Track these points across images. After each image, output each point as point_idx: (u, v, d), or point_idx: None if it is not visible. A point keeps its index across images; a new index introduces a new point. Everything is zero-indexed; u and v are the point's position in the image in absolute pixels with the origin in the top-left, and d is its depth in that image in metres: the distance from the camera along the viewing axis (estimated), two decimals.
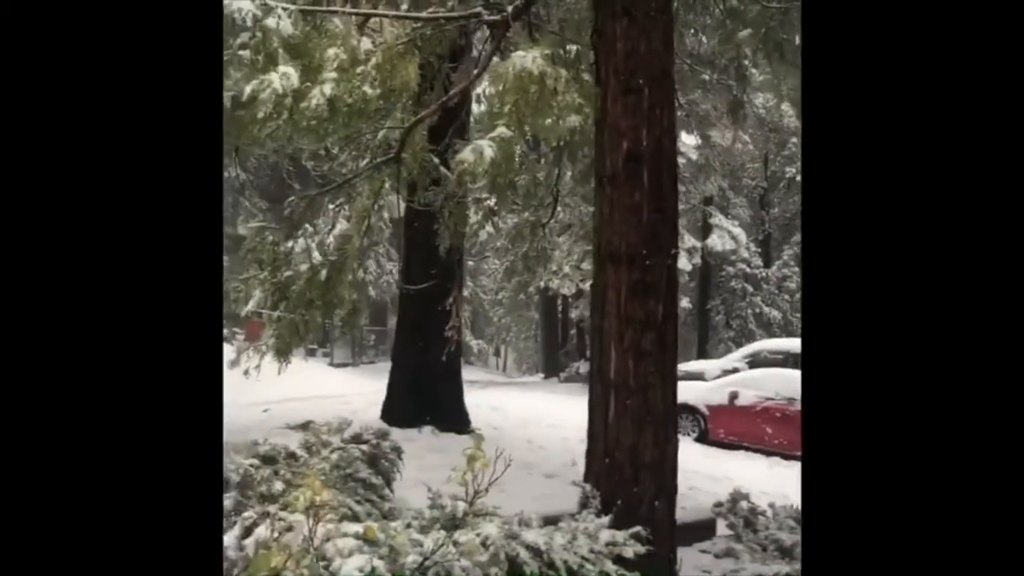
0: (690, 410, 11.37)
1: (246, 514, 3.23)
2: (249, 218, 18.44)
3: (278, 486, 3.53)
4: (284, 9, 3.97)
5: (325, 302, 5.19)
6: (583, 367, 20.94)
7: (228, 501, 3.44)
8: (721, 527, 5.51)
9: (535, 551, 3.22)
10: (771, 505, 5.54)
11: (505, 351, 41.63)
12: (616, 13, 4.45)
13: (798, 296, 21.97)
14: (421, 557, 2.88)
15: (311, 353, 18.51)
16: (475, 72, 5.38)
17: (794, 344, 12.90)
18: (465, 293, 10.25)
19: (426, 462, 5.74)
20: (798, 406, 9.97)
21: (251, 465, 3.63)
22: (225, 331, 14.82)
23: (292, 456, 3.82)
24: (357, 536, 2.91)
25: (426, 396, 9.13)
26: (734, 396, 11.38)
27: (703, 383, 12.33)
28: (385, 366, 11.22)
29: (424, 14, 5.14)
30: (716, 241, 21.55)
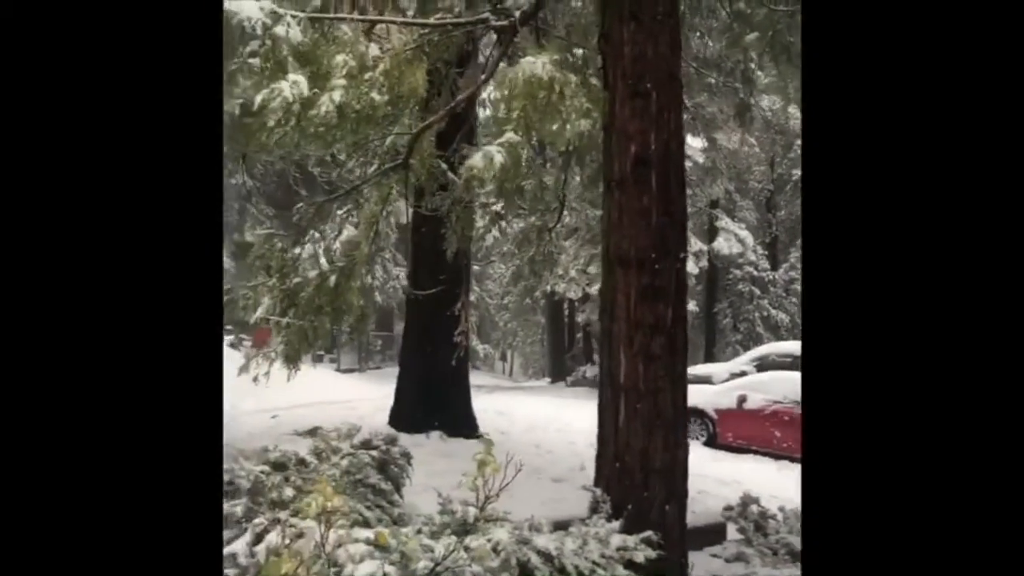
0: (698, 414, 11.35)
1: (257, 520, 3.23)
2: (256, 225, 18.48)
3: (288, 492, 3.53)
4: (293, 17, 3.98)
5: (334, 308, 5.20)
6: (590, 371, 20.92)
7: (239, 507, 3.44)
8: (731, 531, 5.50)
9: (546, 556, 3.22)
10: (781, 509, 5.51)
11: (511, 356, 41.62)
12: (623, 17, 4.45)
13: None
14: (432, 563, 2.88)
15: (318, 359, 18.54)
16: (482, 77, 5.39)
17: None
18: (471, 298, 10.25)
19: (435, 467, 5.74)
20: None
21: (262, 471, 3.63)
22: (233, 338, 14.86)
23: (302, 462, 3.82)
24: (368, 542, 2.91)
25: (434, 401, 9.13)
26: (742, 400, 11.35)
27: (711, 387, 12.32)
28: (391, 371, 11.23)
29: (432, 20, 5.15)
30: (723, 244, 21.51)
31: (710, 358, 22.17)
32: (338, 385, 15.37)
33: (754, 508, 5.42)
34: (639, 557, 3.45)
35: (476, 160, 4.35)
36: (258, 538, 3.09)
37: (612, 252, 4.50)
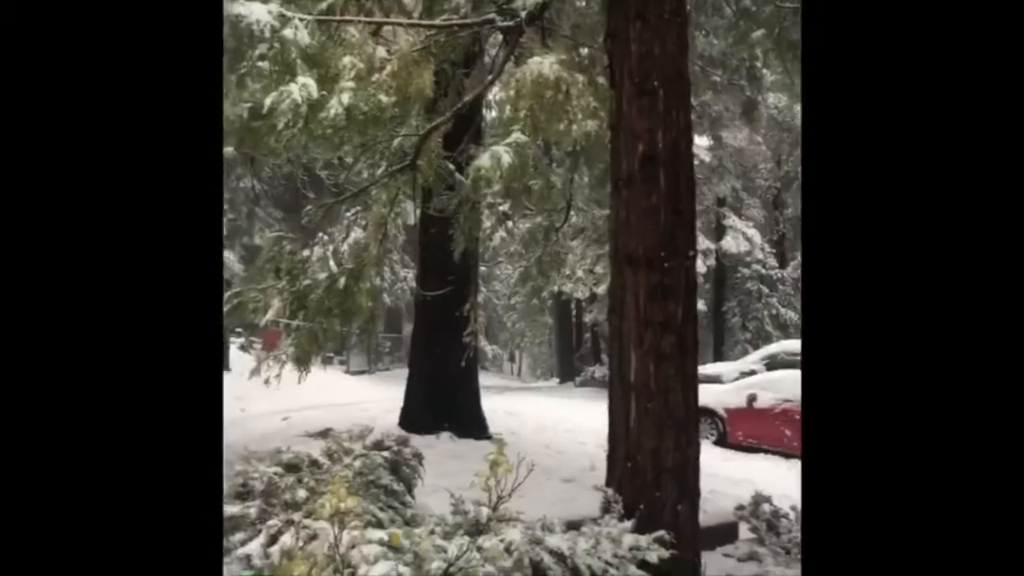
0: (708, 413, 11.31)
1: (271, 522, 3.25)
2: (265, 228, 18.54)
3: (302, 494, 3.54)
4: (301, 20, 3.99)
5: (343, 310, 5.21)
6: (598, 371, 20.90)
7: (252, 509, 3.45)
8: (743, 530, 5.48)
9: (559, 556, 3.22)
10: (793, 508, 5.49)
11: (520, 356, 41.60)
12: (630, 16, 4.45)
13: None
14: (445, 563, 2.88)
15: (328, 361, 18.57)
16: (489, 78, 5.39)
17: None
18: (479, 299, 10.25)
19: (445, 468, 5.74)
20: None
21: (275, 473, 3.64)
22: (244, 340, 14.90)
23: (315, 464, 3.83)
24: (382, 543, 2.91)
25: (444, 402, 9.13)
26: (752, 398, 11.32)
27: (720, 386, 12.28)
28: (400, 373, 11.24)
29: (438, 21, 5.16)
30: (730, 243, 21.46)
31: (719, 357, 22.11)
32: (348, 387, 15.42)
33: (766, 507, 5.41)
34: (652, 557, 3.45)
35: (483, 160, 4.35)
36: (272, 539, 3.11)
37: (621, 251, 4.49)
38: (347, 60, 4.17)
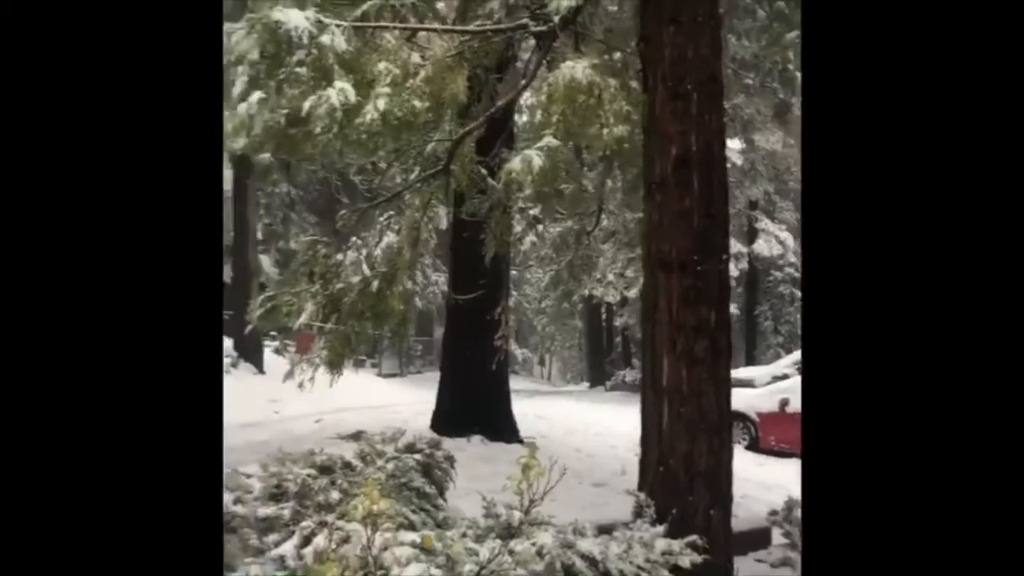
0: (740, 417, 11.21)
1: (304, 524, 3.28)
2: (300, 232, 18.79)
3: (335, 496, 3.57)
4: (338, 26, 4.04)
5: (376, 314, 5.25)
6: (629, 375, 20.83)
7: (286, 511, 3.49)
8: (776, 536, 5.43)
9: (591, 560, 3.21)
10: None
11: (550, 360, 41.58)
12: (663, 20, 4.44)
13: None
14: (477, 566, 2.89)
15: (360, 364, 18.72)
16: (523, 83, 5.41)
17: None
18: (510, 302, 10.28)
19: (476, 471, 5.77)
20: None
21: (308, 475, 3.68)
22: (278, 344, 15.09)
23: (348, 466, 3.86)
24: (414, 545, 2.93)
25: (475, 405, 9.16)
26: (784, 403, 11.20)
27: (753, 390, 12.17)
28: (432, 376, 11.28)
29: (472, 27, 5.18)
30: (763, 246, 21.25)
31: (751, 361, 21.90)
32: (380, 390, 15.54)
33: (799, 512, 5.35)
34: (684, 562, 3.43)
35: (515, 164, 4.37)
36: (305, 541, 3.13)
37: (653, 255, 4.48)
38: (382, 66, 4.22)
